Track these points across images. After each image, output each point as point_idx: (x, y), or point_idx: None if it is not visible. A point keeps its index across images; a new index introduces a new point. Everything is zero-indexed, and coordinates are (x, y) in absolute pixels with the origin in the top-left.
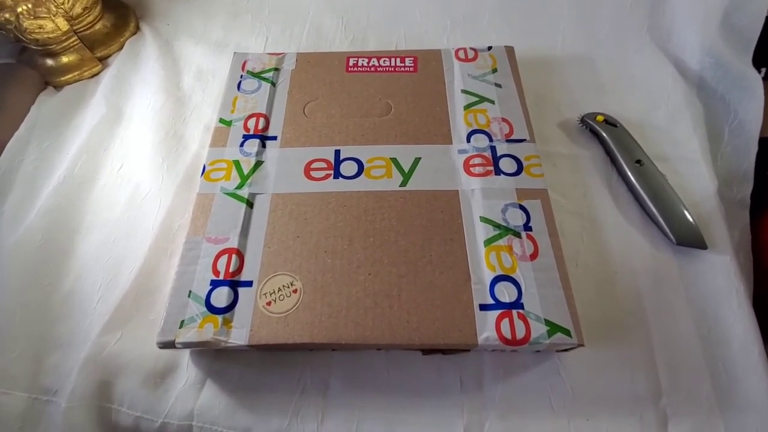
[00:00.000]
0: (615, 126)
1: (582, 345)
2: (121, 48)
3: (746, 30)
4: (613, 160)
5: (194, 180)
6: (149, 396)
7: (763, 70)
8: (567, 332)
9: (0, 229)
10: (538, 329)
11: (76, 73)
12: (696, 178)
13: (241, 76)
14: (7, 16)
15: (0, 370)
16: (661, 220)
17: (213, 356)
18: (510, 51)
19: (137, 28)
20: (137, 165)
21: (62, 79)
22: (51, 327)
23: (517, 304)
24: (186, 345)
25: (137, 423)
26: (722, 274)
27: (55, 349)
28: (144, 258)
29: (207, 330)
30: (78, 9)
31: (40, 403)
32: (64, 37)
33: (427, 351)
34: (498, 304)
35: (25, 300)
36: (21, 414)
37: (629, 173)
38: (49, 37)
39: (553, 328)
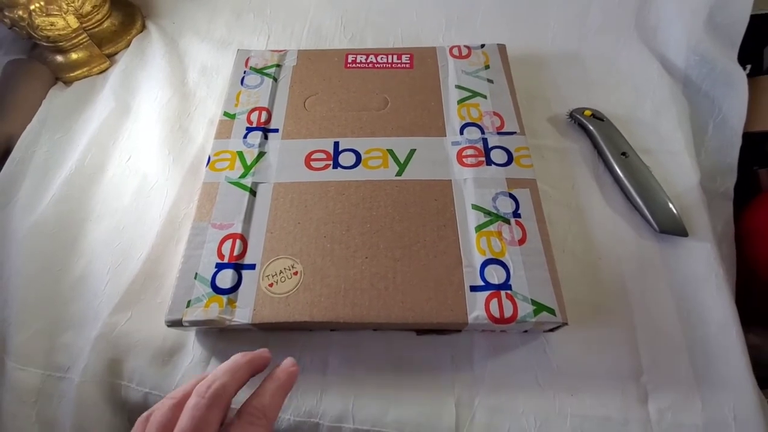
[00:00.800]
0: (602, 120)
1: (566, 323)
2: (128, 45)
3: (731, 28)
4: (600, 153)
5: (199, 171)
6: (157, 373)
7: (748, 66)
8: (552, 311)
9: (14, 216)
10: (525, 308)
11: (85, 69)
12: (679, 170)
13: (245, 72)
14: (20, 13)
15: (16, 348)
16: (644, 209)
17: (217, 336)
18: (502, 48)
19: (143, 27)
20: (145, 157)
21: (72, 74)
22: (63, 308)
23: (506, 286)
24: (192, 323)
25: (146, 398)
26: (702, 260)
27: (67, 329)
28: (151, 244)
29: (212, 309)
30: (87, 7)
31: (54, 379)
32: (74, 35)
33: (421, 331)
34: (487, 286)
35: (38, 283)
36: (36, 389)
37: (615, 165)
38: (59, 34)
39: (539, 307)
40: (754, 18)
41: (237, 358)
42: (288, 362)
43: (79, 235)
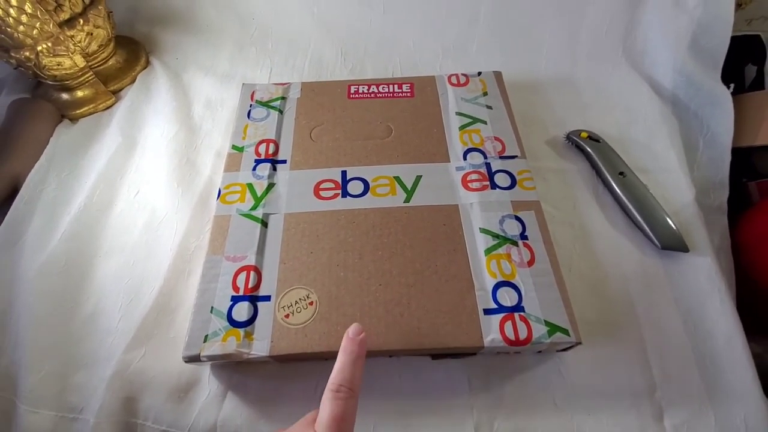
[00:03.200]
0: (598, 141)
1: (580, 343)
2: (133, 81)
3: (714, 50)
4: (598, 173)
5: (208, 203)
6: (174, 410)
7: (732, 85)
8: (565, 331)
9: (23, 255)
10: (539, 330)
11: (90, 106)
12: (675, 187)
13: (251, 105)
14: (27, 54)
15: (27, 391)
16: (645, 226)
17: (233, 369)
18: (498, 75)
19: (148, 63)
20: (153, 191)
21: (77, 112)
22: (75, 347)
23: (518, 308)
24: (211, 358)
25: None
26: (704, 274)
27: (79, 368)
28: (163, 278)
29: (230, 343)
30: (94, 46)
31: (67, 421)
32: (80, 73)
33: (437, 355)
34: (501, 308)
35: (49, 322)
36: None
37: (614, 184)
38: (66, 73)
39: (553, 328)
40: (733, 39)
41: (352, 350)
42: (354, 331)
43: (89, 272)
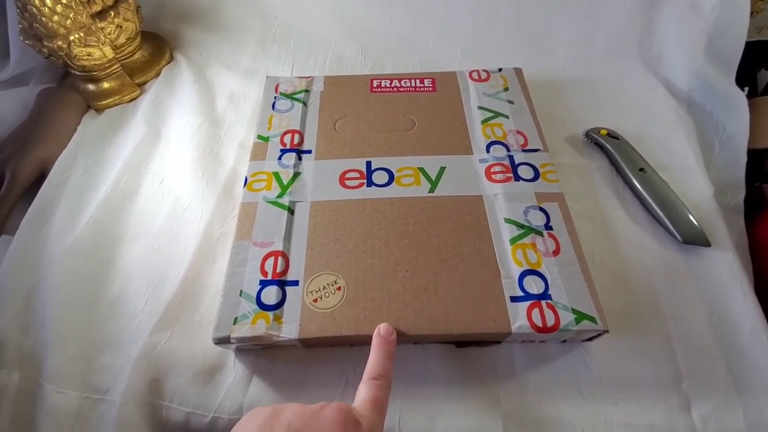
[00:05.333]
0: (617, 139)
1: (607, 331)
2: (157, 75)
3: (729, 53)
4: (618, 169)
5: (232, 192)
6: (199, 392)
7: (746, 89)
8: (593, 319)
9: (50, 238)
10: (566, 317)
11: (116, 98)
12: (694, 185)
13: (275, 97)
14: (59, 43)
15: (53, 371)
16: (666, 221)
17: (258, 354)
18: (519, 72)
19: (172, 57)
20: (177, 180)
21: (103, 102)
22: (101, 329)
23: (545, 296)
24: (240, 340)
25: (188, 418)
26: (726, 269)
27: (105, 350)
28: (188, 264)
29: (259, 326)
30: (122, 39)
31: (92, 401)
32: (108, 65)
33: (461, 343)
34: (527, 296)
35: (75, 304)
36: (73, 412)
37: (634, 180)
38: (95, 64)
39: (580, 316)
40: (746, 45)
41: (386, 348)
42: (385, 331)
43: (115, 256)
